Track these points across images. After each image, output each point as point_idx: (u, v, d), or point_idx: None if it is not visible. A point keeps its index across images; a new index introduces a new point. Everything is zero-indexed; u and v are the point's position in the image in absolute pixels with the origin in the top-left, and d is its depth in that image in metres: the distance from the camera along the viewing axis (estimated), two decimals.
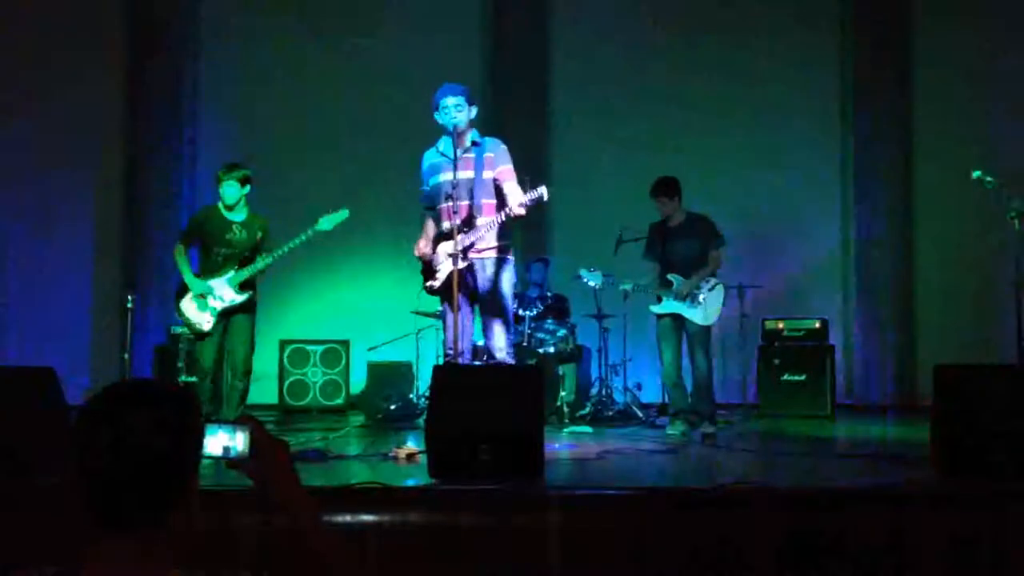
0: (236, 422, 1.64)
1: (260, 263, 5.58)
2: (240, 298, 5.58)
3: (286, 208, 6.44)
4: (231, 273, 5.57)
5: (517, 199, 4.81)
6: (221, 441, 1.61)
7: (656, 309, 6.19)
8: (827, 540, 3.26)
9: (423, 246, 5.11)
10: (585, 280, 6.47)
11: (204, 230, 5.65)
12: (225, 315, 5.58)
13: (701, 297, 6.10)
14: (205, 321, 5.54)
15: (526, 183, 4.88)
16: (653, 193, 6.26)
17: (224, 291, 5.55)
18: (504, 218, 4.82)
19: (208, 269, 5.61)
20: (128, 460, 1.36)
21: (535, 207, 4.81)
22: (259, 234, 5.68)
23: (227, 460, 1.62)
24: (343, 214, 5.66)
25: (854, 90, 8.98)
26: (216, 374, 5.67)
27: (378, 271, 8.63)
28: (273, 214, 5.94)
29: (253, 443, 1.62)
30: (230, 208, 5.63)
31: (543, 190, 4.74)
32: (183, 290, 5.60)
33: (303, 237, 5.58)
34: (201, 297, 5.54)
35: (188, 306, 5.56)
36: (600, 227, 7.22)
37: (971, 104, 8.59)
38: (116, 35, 8.99)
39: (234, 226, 5.63)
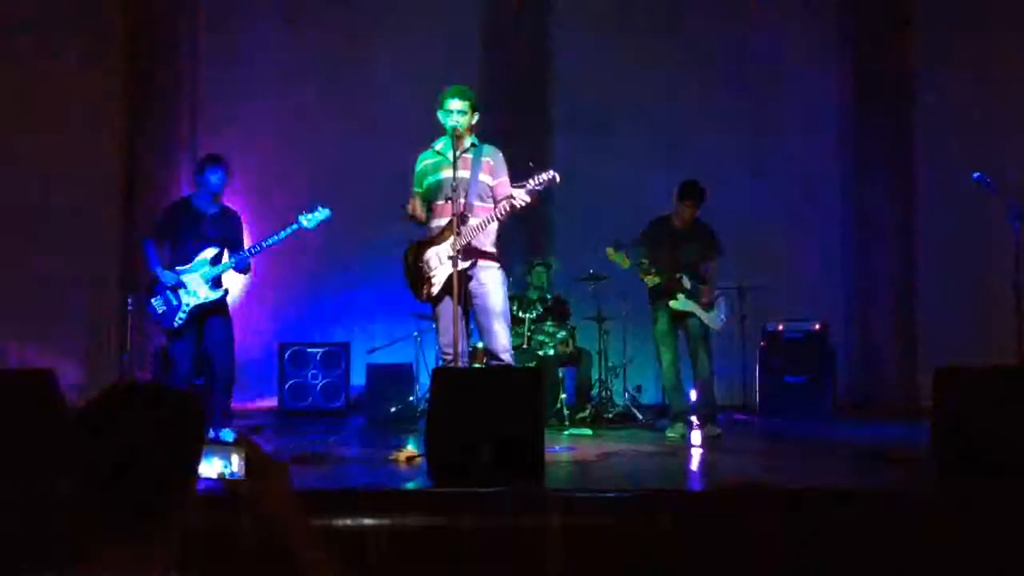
0: (232, 444, 1.60)
1: (233, 260, 5.38)
2: (214, 295, 5.37)
3: (284, 210, 6.41)
4: (206, 269, 5.37)
5: (519, 192, 4.74)
6: (216, 465, 1.57)
7: (675, 305, 6.16)
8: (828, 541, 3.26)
9: (418, 207, 4.96)
10: (612, 259, 6.28)
11: (176, 223, 5.43)
12: (198, 314, 5.35)
13: (713, 300, 6.22)
14: (177, 318, 5.30)
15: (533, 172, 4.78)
16: (690, 197, 6.21)
17: (198, 286, 5.34)
18: (508, 209, 4.74)
19: (179, 262, 5.36)
20: (127, 463, 1.35)
21: (540, 198, 4.75)
22: (233, 229, 5.51)
23: (223, 484, 1.57)
24: (324, 213, 5.51)
25: (854, 91, 8.98)
26: (194, 378, 5.47)
27: (378, 273, 8.62)
28: (269, 216, 5.91)
29: (250, 466, 1.58)
30: (215, 201, 5.48)
31: (552, 173, 4.68)
32: (153, 284, 5.36)
33: (282, 235, 5.40)
34: (173, 291, 5.30)
35: (158, 303, 5.31)
36: (601, 230, 7.20)
37: (972, 105, 8.57)
38: (116, 37, 8.99)
39: (208, 218, 5.45)
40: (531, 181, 4.72)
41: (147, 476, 1.36)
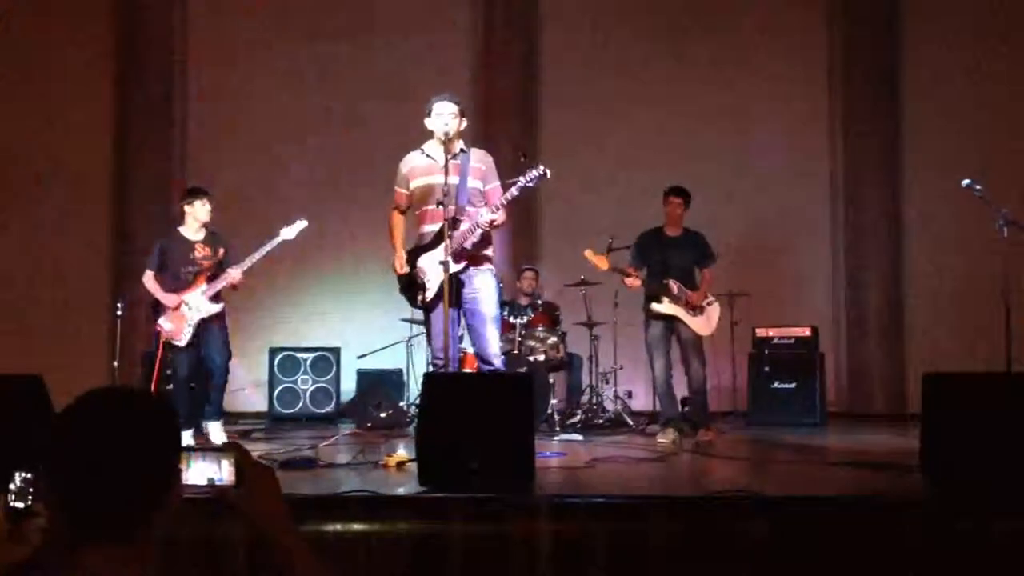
0: (221, 449, 1.60)
1: (228, 277, 5.85)
2: (215, 308, 5.90)
3: (276, 215, 6.41)
4: (203, 287, 5.86)
5: (508, 190, 4.78)
6: (205, 470, 1.57)
7: (658, 307, 6.16)
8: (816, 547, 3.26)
9: (401, 265, 4.97)
10: (591, 261, 6.29)
11: (169, 256, 5.94)
12: (200, 326, 5.88)
13: (705, 305, 6.19)
14: (184, 334, 5.83)
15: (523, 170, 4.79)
16: (675, 193, 6.25)
17: (199, 304, 5.85)
18: (499, 207, 4.74)
19: (177, 288, 5.89)
20: (105, 468, 1.35)
21: (531, 190, 4.75)
22: (222, 250, 6.00)
23: (212, 490, 1.57)
24: (301, 224, 6.00)
25: (844, 98, 9.02)
26: (192, 383, 6.01)
27: (368, 278, 8.61)
28: (261, 222, 5.96)
29: (239, 471, 1.58)
30: (202, 227, 5.97)
31: (543, 169, 4.70)
32: (159, 307, 5.90)
33: (265, 249, 5.89)
34: (176, 311, 5.82)
35: (165, 321, 5.86)
36: (589, 236, 7.21)
37: (962, 113, 8.63)
38: (104, 45, 8.99)
39: (197, 245, 5.96)
40: (522, 178, 4.72)
41: (123, 478, 1.36)
